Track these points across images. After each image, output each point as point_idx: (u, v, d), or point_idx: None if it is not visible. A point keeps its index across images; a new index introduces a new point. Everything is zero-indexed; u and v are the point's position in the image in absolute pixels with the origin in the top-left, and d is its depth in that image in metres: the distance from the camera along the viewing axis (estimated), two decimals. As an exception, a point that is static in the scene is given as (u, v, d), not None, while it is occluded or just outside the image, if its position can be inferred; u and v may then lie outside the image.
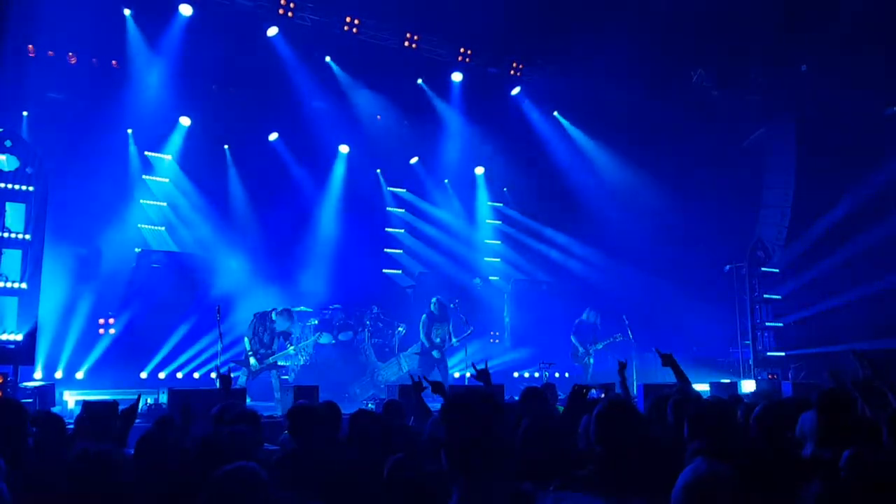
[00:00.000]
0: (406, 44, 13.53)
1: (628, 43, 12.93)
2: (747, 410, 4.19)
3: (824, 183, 14.17)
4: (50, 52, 11.83)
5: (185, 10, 12.12)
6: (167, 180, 13.79)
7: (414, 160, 16.49)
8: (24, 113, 12.08)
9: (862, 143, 13.65)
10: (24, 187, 9.05)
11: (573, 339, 13.80)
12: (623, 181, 15.59)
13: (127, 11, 11.81)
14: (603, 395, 7.63)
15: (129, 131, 13.26)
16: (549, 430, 3.83)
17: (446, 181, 16.90)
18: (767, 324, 14.29)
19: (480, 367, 5.82)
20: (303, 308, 13.55)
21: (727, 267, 14.79)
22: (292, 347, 11.67)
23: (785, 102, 15.05)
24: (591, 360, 13.78)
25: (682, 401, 3.94)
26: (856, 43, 12.87)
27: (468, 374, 12.31)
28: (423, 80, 14.65)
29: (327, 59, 13.70)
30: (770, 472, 3.10)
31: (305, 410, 4.68)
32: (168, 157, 13.76)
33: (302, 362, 12.76)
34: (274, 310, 11.76)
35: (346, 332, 13.93)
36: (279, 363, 11.47)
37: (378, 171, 16.30)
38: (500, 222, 17.54)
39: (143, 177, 13.59)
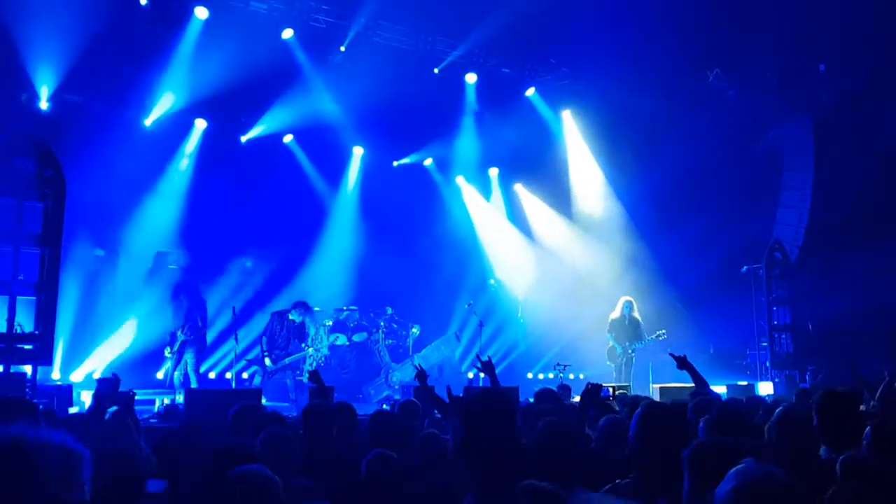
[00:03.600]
0: (420, 45, 13.55)
1: (643, 43, 12.87)
2: (767, 413, 4.16)
3: (842, 183, 14.02)
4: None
5: (201, 13, 12.21)
6: (184, 181, 13.86)
7: (428, 162, 16.51)
8: (43, 114, 12.19)
9: (881, 144, 13.49)
10: (42, 189, 9.11)
11: (609, 337, 12.95)
12: (638, 182, 15.50)
13: (143, 12, 11.89)
14: (611, 395, 7.64)
15: (147, 132, 13.35)
16: (564, 430, 3.82)
17: (459, 180, 16.90)
18: (785, 325, 14.16)
19: (484, 359, 5.93)
20: (317, 309, 13.61)
21: (744, 268, 14.68)
22: (310, 349, 11.72)
23: (802, 102, 14.91)
24: (634, 360, 12.75)
25: (703, 403, 3.91)
26: (874, 42, 12.75)
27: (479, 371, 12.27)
28: (437, 82, 14.63)
29: (341, 51, 13.69)
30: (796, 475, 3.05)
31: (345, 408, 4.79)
32: (185, 158, 13.84)
33: (317, 363, 12.81)
34: (291, 309, 11.84)
35: (360, 333, 13.97)
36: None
37: (392, 169, 16.31)
38: (513, 222, 17.50)
39: (161, 178, 13.67)
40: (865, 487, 2.81)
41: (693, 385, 5.86)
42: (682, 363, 5.94)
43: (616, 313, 13.09)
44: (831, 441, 3.75)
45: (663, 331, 12.67)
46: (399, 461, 3.78)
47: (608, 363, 13.12)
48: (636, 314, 13.00)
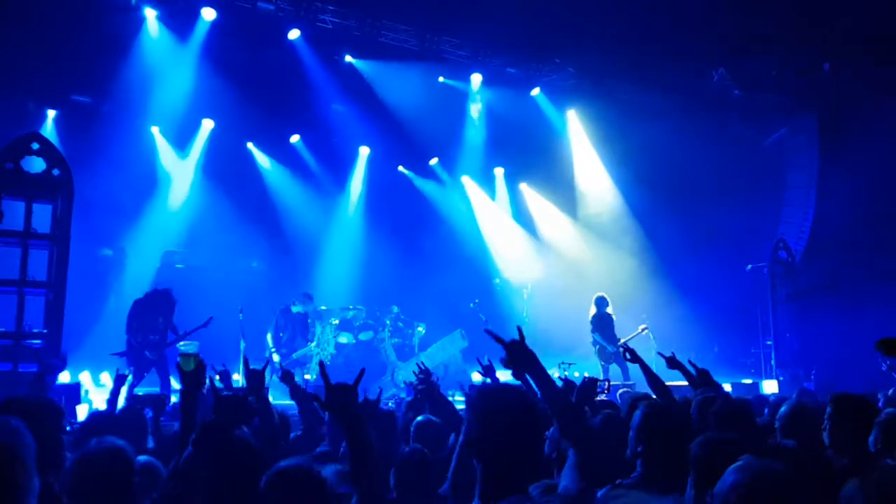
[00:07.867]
0: (426, 45, 13.59)
1: (648, 43, 12.88)
2: (773, 411, 4.17)
3: (847, 182, 14.01)
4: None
5: (209, 13, 12.26)
6: (191, 181, 13.92)
7: (434, 161, 16.54)
8: (51, 115, 12.26)
9: (885, 143, 13.48)
10: (50, 189, 9.15)
11: (597, 336, 12.54)
12: (643, 180, 15.50)
13: (151, 14, 11.96)
14: (605, 389, 7.64)
15: (154, 133, 13.41)
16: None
17: (465, 180, 16.93)
18: (789, 324, 14.14)
19: (485, 363, 5.78)
20: (324, 307, 13.64)
21: (749, 266, 14.67)
22: (313, 345, 11.75)
23: (807, 101, 14.90)
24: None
25: (706, 400, 3.94)
26: (878, 41, 12.74)
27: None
28: (442, 82, 14.69)
29: (348, 59, 13.76)
30: (804, 473, 3.06)
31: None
32: (192, 158, 13.90)
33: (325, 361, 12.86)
34: (294, 301, 11.85)
35: (366, 331, 13.99)
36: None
37: (398, 170, 16.35)
38: (518, 221, 17.53)
39: (168, 178, 13.73)
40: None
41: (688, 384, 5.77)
42: (672, 363, 5.81)
43: (593, 310, 12.65)
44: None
45: (644, 326, 12.39)
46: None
47: (601, 363, 12.89)
48: (610, 310, 12.59)
